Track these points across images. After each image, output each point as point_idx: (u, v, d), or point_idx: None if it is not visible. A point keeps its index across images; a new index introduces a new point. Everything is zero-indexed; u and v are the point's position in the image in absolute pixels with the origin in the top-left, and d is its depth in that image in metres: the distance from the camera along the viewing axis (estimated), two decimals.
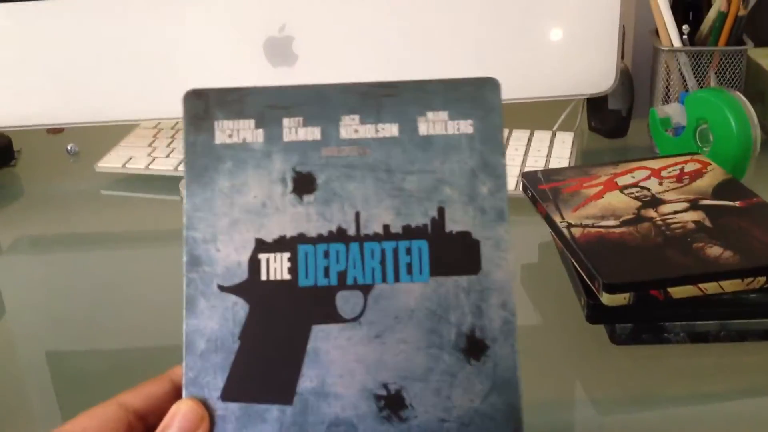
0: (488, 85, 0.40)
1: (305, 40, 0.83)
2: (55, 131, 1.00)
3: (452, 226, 0.39)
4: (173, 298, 0.65)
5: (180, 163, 0.86)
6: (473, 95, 0.40)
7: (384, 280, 0.39)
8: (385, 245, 0.39)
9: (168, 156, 0.87)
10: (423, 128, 0.40)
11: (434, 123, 0.40)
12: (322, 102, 0.40)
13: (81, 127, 0.89)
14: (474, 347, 0.38)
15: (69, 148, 0.95)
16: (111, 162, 0.87)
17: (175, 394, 0.38)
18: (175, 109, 0.81)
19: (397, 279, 0.39)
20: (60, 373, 0.59)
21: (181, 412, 0.37)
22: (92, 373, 0.59)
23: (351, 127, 0.40)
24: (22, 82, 0.83)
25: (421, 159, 0.40)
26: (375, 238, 0.39)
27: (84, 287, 0.70)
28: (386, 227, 0.39)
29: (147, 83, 0.84)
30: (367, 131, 0.40)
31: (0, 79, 0.84)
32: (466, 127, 0.40)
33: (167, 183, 0.85)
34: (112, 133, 0.92)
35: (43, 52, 0.83)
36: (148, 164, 0.86)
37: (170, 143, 0.90)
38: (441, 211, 0.39)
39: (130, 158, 0.87)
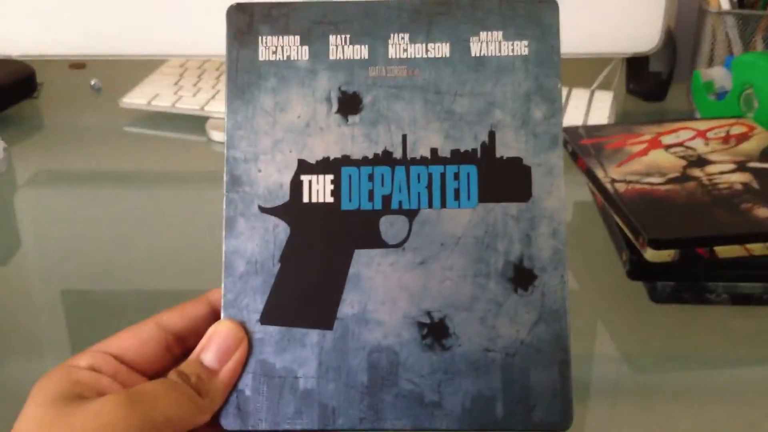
0: (546, 6, 0.38)
1: None
2: (78, 66, 0.98)
3: (503, 151, 0.37)
4: (192, 237, 0.64)
5: (207, 102, 0.84)
6: (530, 15, 0.38)
7: (430, 205, 0.37)
8: (433, 169, 0.37)
9: (194, 95, 0.85)
10: (475, 48, 0.38)
11: (488, 43, 0.38)
12: (370, 19, 0.38)
13: (104, 63, 0.87)
14: (521, 276, 0.36)
15: (92, 83, 0.93)
16: (136, 98, 0.85)
17: (213, 317, 0.37)
18: (202, 47, 0.80)
19: (443, 204, 0.37)
20: (76, 309, 0.58)
21: (219, 333, 0.36)
22: (108, 310, 0.58)
23: (400, 46, 0.38)
24: (47, 12, 0.81)
25: (473, 81, 0.38)
26: (422, 161, 0.37)
27: (103, 224, 0.69)
28: (434, 151, 0.37)
29: (175, 19, 0.81)
30: (417, 51, 0.38)
31: (24, 8, 0.81)
32: (521, 48, 0.38)
33: (193, 122, 0.83)
34: (136, 71, 0.90)
35: None
36: (174, 102, 0.84)
37: (197, 82, 0.88)
38: (492, 135, 0.37)
39: (156, 95, 0.85)
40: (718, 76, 0.79)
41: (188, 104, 0.84)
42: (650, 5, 0.81)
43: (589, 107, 0.83)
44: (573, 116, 0.81)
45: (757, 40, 0.84)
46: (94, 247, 0.65)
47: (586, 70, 0.89)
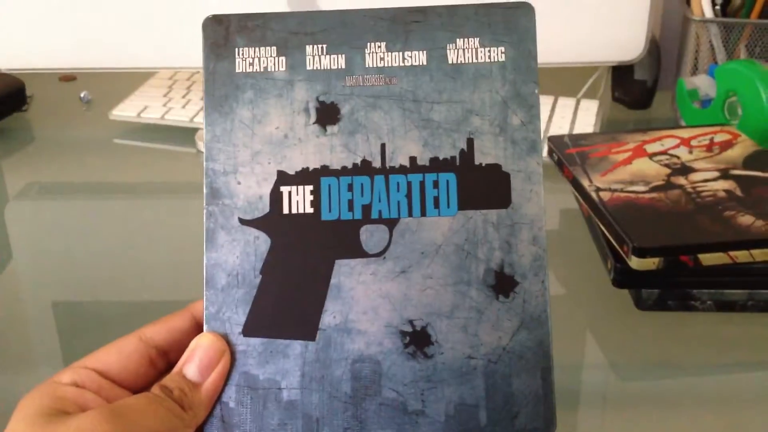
0: (522, 11, 0.38)
1: None
2: (68, 78, 0.98)
3: (482, 158, 0.38)
4: (182, 249, 0.64)
5: (196, 114, 0.84)
6: (506, 21, 0.38)
7: (410, 214, 0.37)
8: (412, 178, 0.37)
9: (184, 107, 0.85)
10: (452, 56, 0.38)
11: (464, 50, 0.38)
12: (346, 28, 0.39)
13: (94, 76, 0.87)
14: (503, 283, 0.37)
15: (82, 95, 0.93)
16: (125, 111, 0.85)
17: (196, 329, 0.37)
18: (191, 59, 0.80)
19: (423, 213, 0.37)
20: (67, 321, 0.58)
21: (201, 346, 0.36)
22: (99, 322, 0.58)
23: (377, 55, 0.39)
24: (36, 25, 0.81)
25: (450, 88, 0.38)
26: (401, 170, 0.37)
27: (93, 235, 0.69)
28: (413, 159, 0.38)
29: (164, 32, 0.82)
30: (394, 59, 0.38)
31: (14, 21, 0.81)
32: (497, 54, 0.38)
33: (182, 134, 0.83)
34: (125, 83, 0.90)
35: None
36: (164, 114, 0.84)
37: (186, 94, 0.88)
38: (470, 142, 0.38)
39: (145, 107, 0.85)
40: (703, 84, 0.80)
41: (177, 116, 0.84)
42: (635, 14, 0.81)
43: (575, 116, 0.83)
44: (559, 125, 0.81)
45: (740, 48, 0.84)
46: (84, 259, 0.65)
47: (572, 79, 0.89)
